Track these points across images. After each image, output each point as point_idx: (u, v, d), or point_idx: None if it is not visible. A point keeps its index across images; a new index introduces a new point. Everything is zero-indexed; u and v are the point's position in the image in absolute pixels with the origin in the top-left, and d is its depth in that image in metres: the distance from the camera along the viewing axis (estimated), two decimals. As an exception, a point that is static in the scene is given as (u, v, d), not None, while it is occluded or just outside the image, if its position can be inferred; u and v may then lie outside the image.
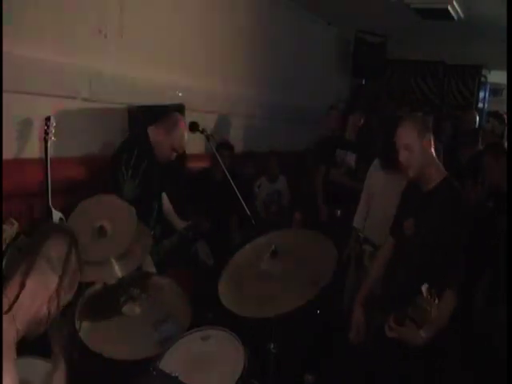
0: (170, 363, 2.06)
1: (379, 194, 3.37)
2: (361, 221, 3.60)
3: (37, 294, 1.35)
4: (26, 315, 1.34)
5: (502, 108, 7.46)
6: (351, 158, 4.55)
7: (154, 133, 2.92)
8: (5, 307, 1.28)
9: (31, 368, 1.81)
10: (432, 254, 2.18)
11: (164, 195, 3.19)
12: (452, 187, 2.25)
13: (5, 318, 1.27)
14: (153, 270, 2.73)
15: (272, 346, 2.31)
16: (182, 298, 2.35)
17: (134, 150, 2.76)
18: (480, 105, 7.70)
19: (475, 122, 4.94)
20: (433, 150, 2.29)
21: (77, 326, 1.99)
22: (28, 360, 1.84)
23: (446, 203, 2.18)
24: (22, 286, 1.31)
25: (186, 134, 3.01)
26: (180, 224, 3.17)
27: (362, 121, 4.67)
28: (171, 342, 2.15)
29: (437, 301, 1.81)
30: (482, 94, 7.71)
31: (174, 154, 2.99)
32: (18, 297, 1.30)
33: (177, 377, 1.94)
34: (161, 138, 2.90)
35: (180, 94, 3.97)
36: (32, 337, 1.42)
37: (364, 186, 3.63)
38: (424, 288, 1.82)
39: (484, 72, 7.52)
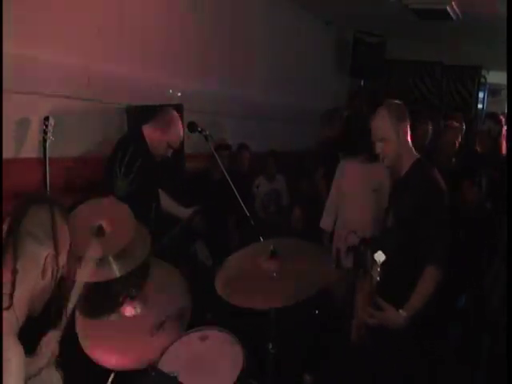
0: (168, 363, 2.06)
1: (351, 190, 3.38)
2: (330, 222, 3.55)
3: (30, 274, 1.33)
4: (24, 299, 1.32)
5: (500, 109, 7.47)
6: None
7: (149, 131, 2.92)
8: (4, 302, 1.26)
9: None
10: (410, 235, 2.18)
11: (161, 191, 3.17)
12: (423, 167, 2.25)
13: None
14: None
15: (270, 346, 2.31)
16: (180, 298, 2.35)
17: (128, 149, 2.76)
18: (479, 105, 7.70)
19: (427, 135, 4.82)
20: (409, 137, 2.28)
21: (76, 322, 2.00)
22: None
23: (418, 184, 2.19)
24: (15, 272, 1.29)
25: (183, 130, 3.03)
26: (184, 212, 3.16)
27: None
28: (170, 342, 2.15)
29: (379, 263, 1.86)
30: (480, 95, 7.71)
31: (171, 151, 3.00)
32: (14, 285, 1.27)
33: (175, 377, 1.94)
34: (157, 137, 2.91)
35: (179, 94, 3.97)
36: (36, 312, 1.40)
37: (333, 185, 3.58)
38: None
39: (483, 72, 7.53)
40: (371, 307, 2.08)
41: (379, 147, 2.27)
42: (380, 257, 1.89)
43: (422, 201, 2.14)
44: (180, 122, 3.02)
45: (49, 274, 1.36)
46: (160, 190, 3.15)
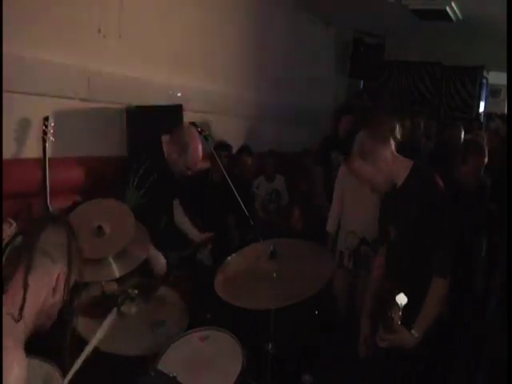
0: (168, 363, 2.06)
1: (350, 191, 3.36)
2: (333, 224, 3.51)
3: (40, 289, 1.35)
4: (32, 312, 1.34)
5: (500, 109, 7.48)
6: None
7: (167, 148, 2.80)
8: (9, 309, 1.28)
9: (29, 368, 1.80)
10: (416, 247, 2.14)
11: (177, 205, 3.07)
12: (420, 174, 2.19)
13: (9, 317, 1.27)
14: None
15: (270, 346, 2.32)
16: (180, 298, 2.35)
17: (144, 161, 2.63)
18: (480, 106, 7.69)
19: (460, 139, 4.90)
20: (393, 149, 2.21)
21: (75, 324, 2.00)
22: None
23: (418, 192, 2.13)
24: (26, 285, 1.31)
25: (201, 149, 2.83)
26: (197, 235, 3.06)
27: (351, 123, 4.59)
28: (169, 342, 2.15)
29: (401, 306, 1.82)
30: (482, 95, 7.69)
31: (189, 172, 2.85)
32: (24, 299, 1.30)
33: (175, 377, 1.94)
34: (174, 158, 2.78)
35: (179, 95, 3.97)
36: (42, 330, 1.42)
37: (335, 188, 3.54)
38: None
39: (484, 73, 7.53)
40: (383, 331, 2.04)
41: (369, 186, 2.29)
42: (402, 300, 1.82)
43: (426, 207, 2.10)
44: (198, 142, 2.83)
45: (60, 292, 1.39)
46: (175, 203, 3.05)
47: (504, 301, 2.81)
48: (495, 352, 2.80)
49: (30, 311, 1.32)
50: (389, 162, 2.19)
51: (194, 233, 3.08)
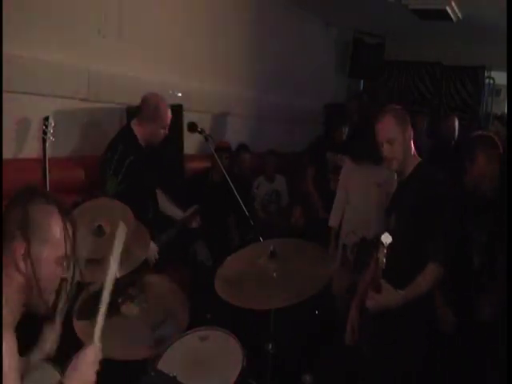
0: (168, 363, 2.06)
1: (355, 188, 3.38)
2: (337, 219, 3.57)
3: (11, 271, 1.32)
4: (15, 297, 1.33)
5: (500, 109, 7.46)
6: (342, 161, 4.47)
7: (140, 128, 2.90)
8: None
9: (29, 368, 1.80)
10: (413, 235, 2.20)
11: (160, 193, 3.15)
12: (426, 169, 2.27)
13: None
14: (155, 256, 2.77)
15: (270, 346, 2.32)
16: (180, 298, 2.35)
17: (117, 148, 2.76)
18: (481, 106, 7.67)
19: (455, 128, 4.94)
20: (411, 141, 2.29)
21: (74, 325, 2.00)
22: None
23: (420, 184, 2.21)
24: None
25: (169, 110, 2.97)
26: (179, 214, 3.14)
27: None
28: (170, 342, 2.15)
29: (386, 245, 1.87)
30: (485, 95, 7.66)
31: (166, 131, 2.96)
32: (1, 280, 1.29)
33: (175, 377, 1.94)
34: (150, 130, 2.89)
35: (179, 95, 3.97)
36: (34, 308, 1.41)
37: (339, 185, 3.60)
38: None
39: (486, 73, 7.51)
40: (370, 289, 2.11)
41: (387, 149, 2.24)
42: (387, 239, 1.88)
43: (427, 201, 2.15)
44: (164, 102, 2.96)
45: (21, 265, 1.33)
46: (158, 191, 3.12)
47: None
48: (495, 353, 2.79)
49: (11, 296, 1.31)
50: (410, 144, 2.26)
51: (176, 212, 3.15)
